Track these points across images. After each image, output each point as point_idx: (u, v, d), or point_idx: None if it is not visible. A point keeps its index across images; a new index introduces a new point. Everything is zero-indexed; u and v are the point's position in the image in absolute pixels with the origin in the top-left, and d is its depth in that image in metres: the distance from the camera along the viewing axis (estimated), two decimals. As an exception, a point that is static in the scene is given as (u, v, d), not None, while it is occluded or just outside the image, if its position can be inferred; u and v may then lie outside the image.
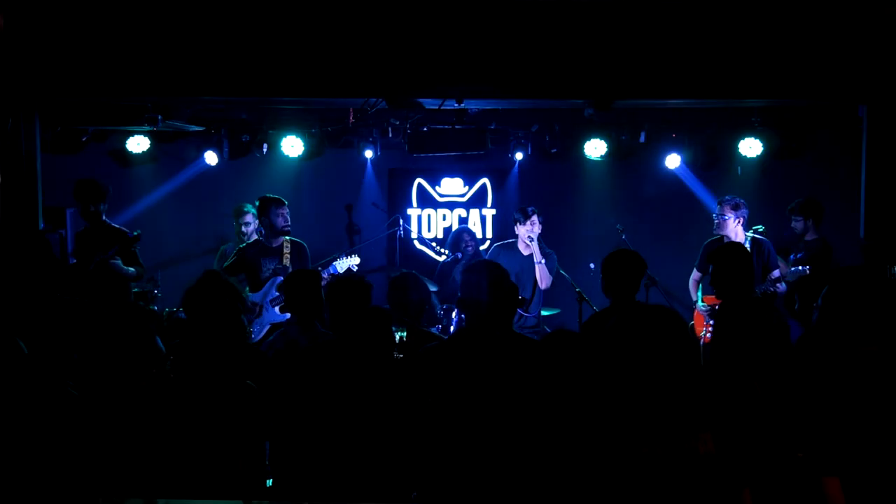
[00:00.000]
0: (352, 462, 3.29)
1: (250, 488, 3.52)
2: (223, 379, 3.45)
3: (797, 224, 7.51)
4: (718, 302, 6.94)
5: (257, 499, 3.68)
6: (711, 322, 6.84)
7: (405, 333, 4.58)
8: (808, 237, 7.50)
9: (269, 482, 3.89)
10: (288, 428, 3.47)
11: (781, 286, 6.91)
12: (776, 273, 6.91)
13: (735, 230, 7.08)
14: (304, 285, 4.89)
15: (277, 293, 6.99)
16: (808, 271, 6.88)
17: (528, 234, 7.22)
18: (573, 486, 2.53)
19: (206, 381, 3.44)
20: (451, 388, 3.62)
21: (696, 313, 7.33)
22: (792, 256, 7.50)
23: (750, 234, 7.14)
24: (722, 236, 7.17)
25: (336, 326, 4.64)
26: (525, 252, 7.28)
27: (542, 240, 7.39)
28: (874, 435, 2.99)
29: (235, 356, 4.00)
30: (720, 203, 7.15)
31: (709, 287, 7.29)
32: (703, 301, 7.28)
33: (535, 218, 7.26)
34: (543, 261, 7.15)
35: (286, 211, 7.07)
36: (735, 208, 7.08)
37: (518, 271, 7.15)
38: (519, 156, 8.86)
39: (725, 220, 7.06)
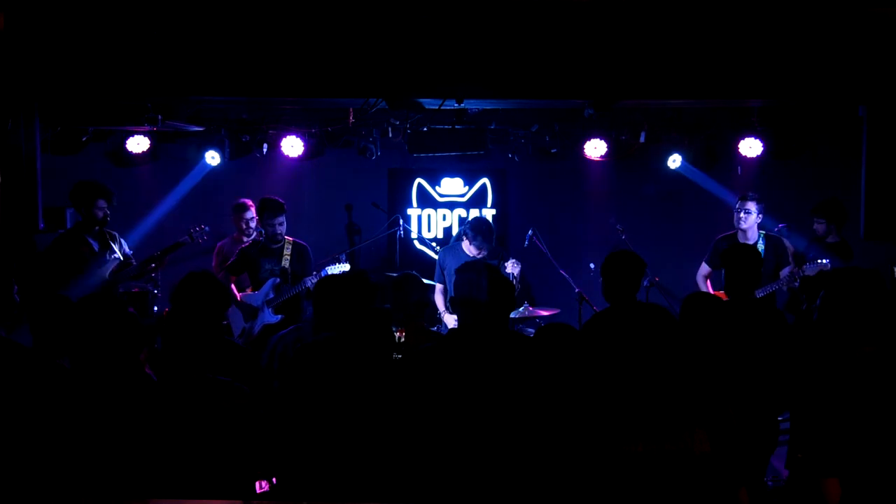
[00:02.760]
0: (350, 461, 3.29)
1: (244, 487, 3.53)
2: (206, 376, 3.47)
3: (819, 226, 7.46)
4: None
5: (257, 499, 3.69)
6: None
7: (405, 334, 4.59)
8: (830, 239, 7.46)
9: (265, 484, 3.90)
10: (286, 426, 3.47)
11: (796, 283, 6.89)
12: (786, 271, 6.91)
13: (754, 225, 7.11)
14: (334, 291, 4.84)
15: (274, 294, 7.02)
16: (829, 265, 6.81)
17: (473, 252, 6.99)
18: (569, 484, 2.53)
19: (190, 378, 3.44)
20: (448, 387, 3.63)
21: None
22: (810, 259, 7.42)
23: (762, 231, 7.15)
24: (736, 232, 7.17)
25: (323, 325, 4.66)
26: (471, 254, 7.00)
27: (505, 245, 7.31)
28: (874, 436, 2.99)
29: (220, 352, 4.01)
30: (743, 198, 7.14)
31: (717, 283, 7.32)
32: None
33: (479, 242, 6.93)
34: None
35: (281, 220, 7.05)
36: (759, 202, 7.12)
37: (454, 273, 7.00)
38: (519, 156, 8.86)
39: (750, 214, 7.07)
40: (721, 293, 7.13)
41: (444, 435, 3.53)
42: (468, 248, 7.09)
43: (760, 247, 7.05)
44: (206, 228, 7.34)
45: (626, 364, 2.51)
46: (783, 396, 4.63)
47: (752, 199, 7.14)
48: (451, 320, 6.93)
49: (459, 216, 9.39)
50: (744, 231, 7.14)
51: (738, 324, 4.47)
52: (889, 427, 3.00)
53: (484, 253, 7.02)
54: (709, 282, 7.43)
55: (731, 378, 3.99)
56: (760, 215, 7.14)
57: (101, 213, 6.82)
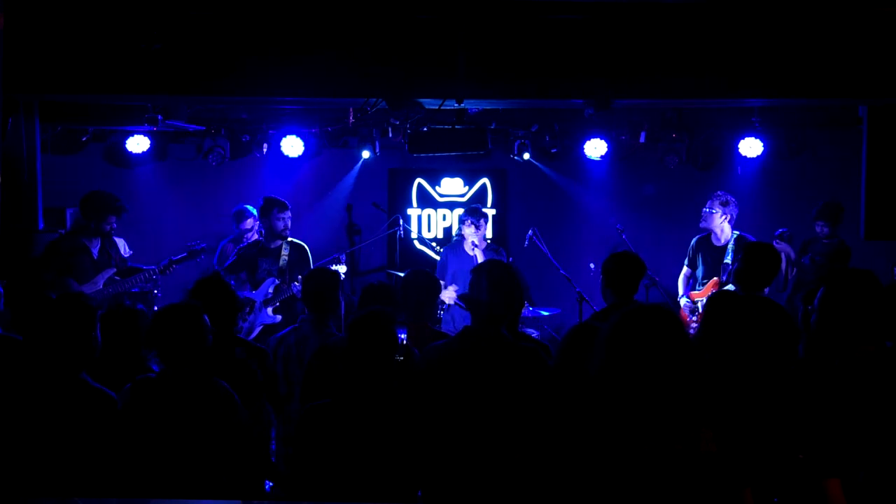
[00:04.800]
0: (356, 461, 3.29)
1: (246, 487, 3.53)
2: (206, 379, 3.48)
3: (824, 229, 7.49)
4: (702, 297, 6.98)
5: (258, 499, 3.69)
6: (694, 318, 6.87)
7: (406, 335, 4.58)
8: (827, 240, 7.48)
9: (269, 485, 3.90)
10: (291, 425, 3.48)
11: None
12: None
13: (721, 226, 7.14)
14: (321, 283, 4.91)
15: (272, 294, 7.02)
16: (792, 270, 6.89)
17: (471, 238, 7.26)
18: (574, 484, 2.53)
19: (179, 383, 3.45)
20: (453, 385, 3.63)
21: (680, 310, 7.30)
22: (807, 259, 7.43)
23: (736, 233, 7.15)
24: (709, 232, 7.21)
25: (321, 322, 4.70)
26: (470, 252, 7.26)
27: (494, 242, 7.44)
28: (874, 435, 2.99)
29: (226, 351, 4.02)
30: (711, 198, 7.20)
31: (694, 284, 7.33)
32: (688, 297, 7.27)
33: (481, 222, 7.26)
34: None
35: (287, 215, 7.09)
36: (724, 204, 7.13)
37: (455, 270, 7.24)
38: (521, 156, 8.84)
39: (712, 213, 7.14)
40: (696, 293, 7.19)
41: (453, 433, 3.53)
42: (469, 245, 7.26)
43: (731, 248, 7.06)
44: (202, 257, 7.28)
45: (627, 363, 2.51)
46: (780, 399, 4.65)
47: (715, 199, 7.16)
48: (447, 296, 7.06)
49: (459, 216, 9.38)
50: (713, 231, 7.18)
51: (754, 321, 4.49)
52: (890, 427, 2.99)
53: (483, 245, 7.24)
54: (690, 282, 7.41)
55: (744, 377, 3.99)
56: (726, 216, 7.13)
57: (108, 228, 6.74)
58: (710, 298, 4.28)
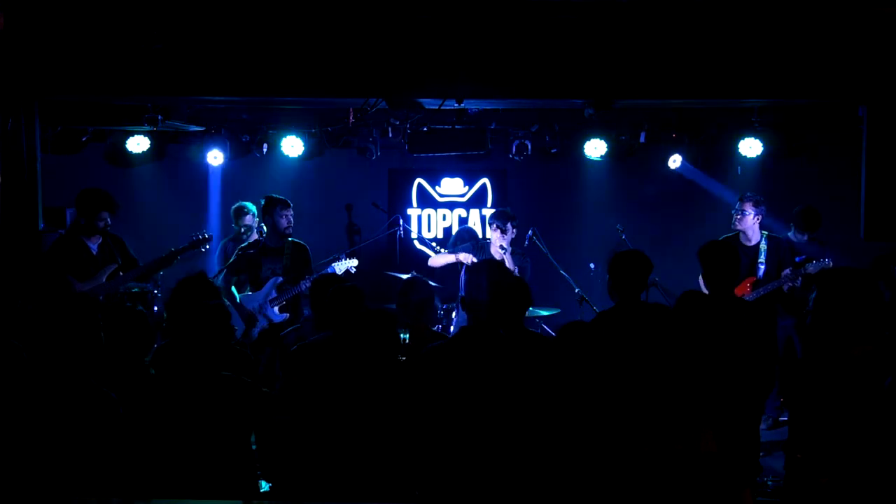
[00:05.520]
0: (354, 461, 3.29)
1: (244, 487, 3.53)
2: (210, 377, 3.48)
3: (801, 237, 7.51)
4: (739, 294, 6.91)
5: (256, 499, 3.69)
6: None
7: (408, 336, 4.60)
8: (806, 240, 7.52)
9: (265, 484, 3.91)
10: (288, 425, 3.48)
11: (797, 282, 6.91)
12: (787, 271, 6.93)
13: (753, 226, 7.11)
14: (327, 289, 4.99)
15: (276, 293, 7.01)
16: (830, 263, 6.84)
17: (499, 242, 7.17)
18: (575, 484, 2.53)
19: (193, 380, 3.46)
20: (453, 385, 3.63)
21: None
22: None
23: (765, 232, 7.15)
24: (738, 232, 7.18)
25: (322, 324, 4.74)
26: (497, 256, 7.14)
27: (519, 244, 7.39)
28: (872, 434, 2.99)
29: (221, 354, 4.03)
30: (741, 199, 7.17)
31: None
32: None
33: (508, 226, 7.20)
34: (515, 269, 7.07)
35: (290, 213, 7.09)
36: (756, 204, 7.13)
37: None
38: (521, 155, 8.85)
39: (746, 215, 7.10)
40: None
41: (452, 434, 3.53)
42: (496, 249, 7.18)
43: (763, 247, 7.06)
44: (206, 247, 7.31)
45: (630, 363, 2.51)
46: (762, 392, 4.68)
47: (748, 200, 7.15)
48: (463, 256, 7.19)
49: (459, 216, 9.39)
50: (744, 231, 7.16)
51: (722, 320, 4.52)
52: (887, 425, 2.99)
53: (510, 250, 7.18)
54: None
55: (719, 375, 4.01)
56: (759, 217, 7.12)
57: (102, 224, 6.74)
58: (678, 300, 4.29)
